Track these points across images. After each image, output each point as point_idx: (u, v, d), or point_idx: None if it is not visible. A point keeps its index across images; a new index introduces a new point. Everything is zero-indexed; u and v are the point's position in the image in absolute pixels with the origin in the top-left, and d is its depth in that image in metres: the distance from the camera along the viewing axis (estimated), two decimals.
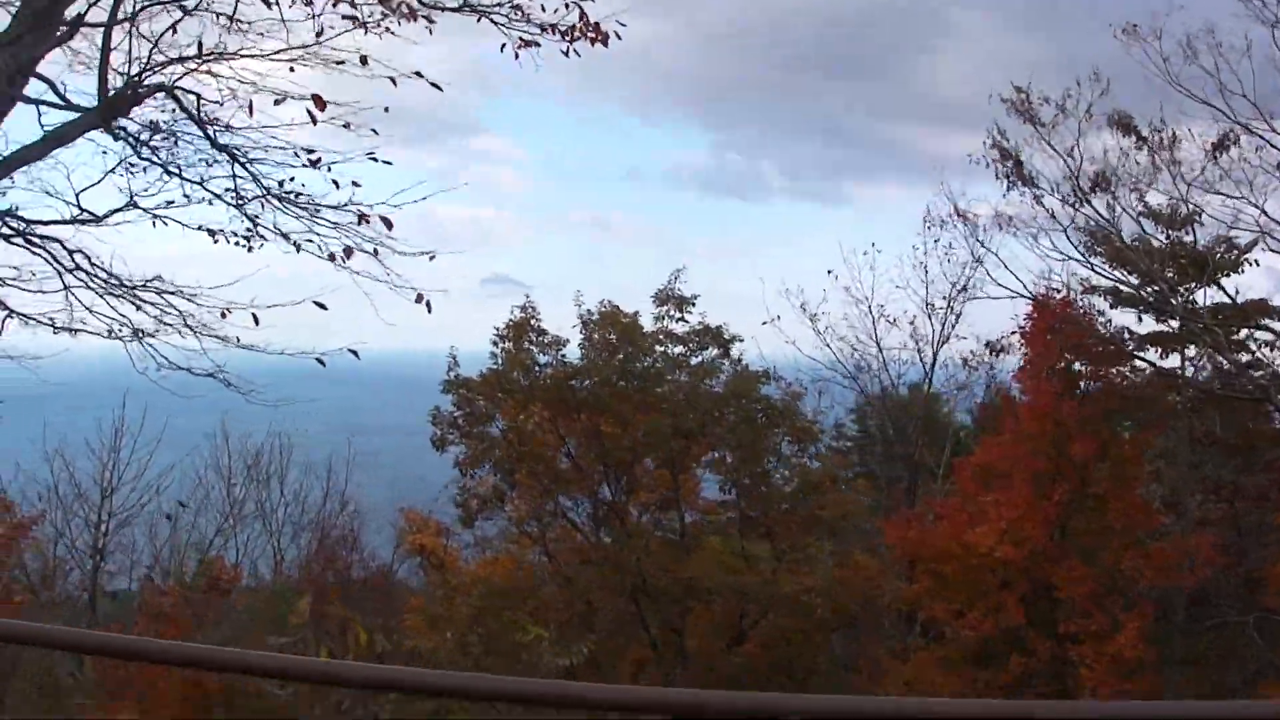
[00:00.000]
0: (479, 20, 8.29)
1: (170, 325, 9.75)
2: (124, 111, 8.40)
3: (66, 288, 10.00)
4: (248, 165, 8.72)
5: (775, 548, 18.80)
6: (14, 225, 9.58)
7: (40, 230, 9.64)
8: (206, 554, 19.19)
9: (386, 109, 8.21)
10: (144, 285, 9.68)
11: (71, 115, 8.21)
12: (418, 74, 8.11)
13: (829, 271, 20.90)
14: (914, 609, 20.39)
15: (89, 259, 9.92)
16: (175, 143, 9.54)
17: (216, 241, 9.92)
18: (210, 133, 8.59)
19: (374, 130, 8.19)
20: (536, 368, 18.07)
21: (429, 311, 8.75)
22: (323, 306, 8.83)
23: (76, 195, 9.25)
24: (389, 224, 8.30)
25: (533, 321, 18.33)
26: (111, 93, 8.05)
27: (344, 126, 8.18)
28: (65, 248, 9.74)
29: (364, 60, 8.04)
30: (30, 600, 18.69)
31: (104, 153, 9.30)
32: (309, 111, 7.96)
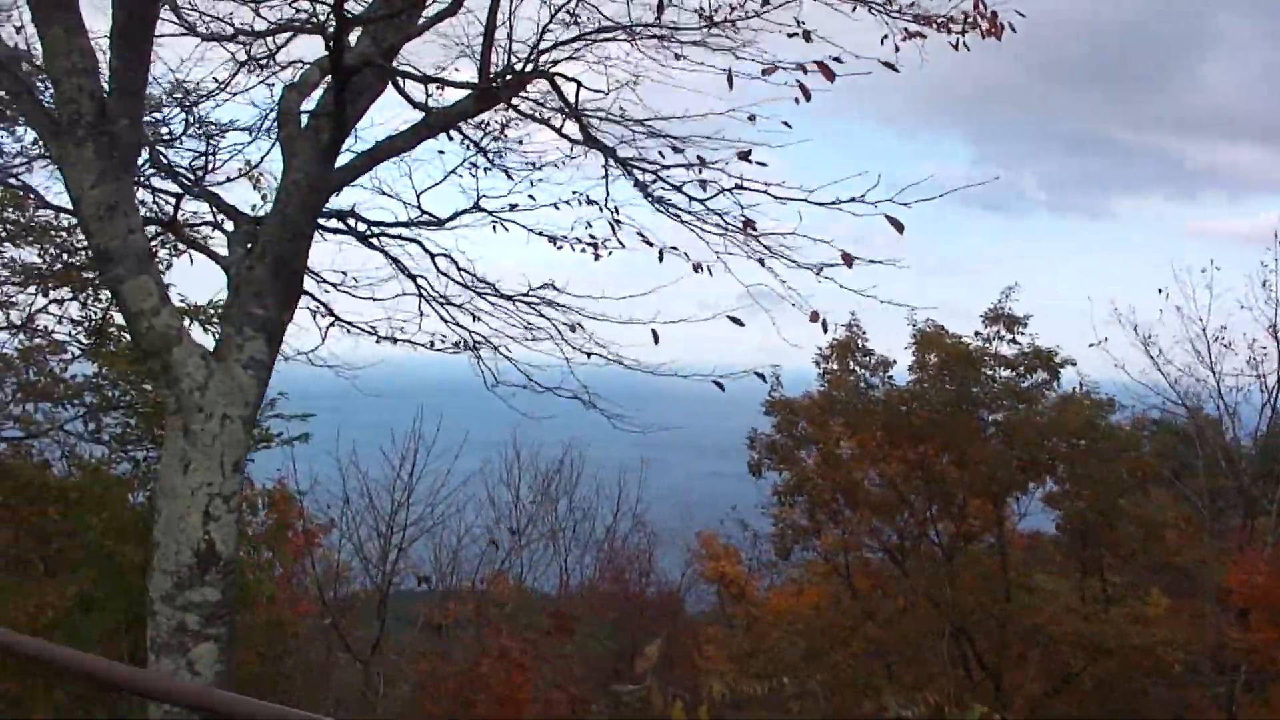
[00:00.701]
0: (854, 10, 7.06)
1: (530, 339, 8.99)
2: (506, 98, 7.41)
3: (420, 292, 9.27)
4: (623, 162, 7.70)
5: (1106, 590, 17.28)
6: (357, 227, 8.89)
7: (384, 232, 8.98)
8: (498, 570, 18.56)
9: (833, 72, 6.87)
10: (525, 295, 8.92)
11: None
12: (888, 65, 6.85)
13: (1159, 290, 19.01)
14: (1244, 659, 18.64)
15: (456, 265, 9.21)
16: (517, 141, 8.67)
17: (560, 248, 9.09)
18: (584, 124, 7.56)
19: (786, 124, 6.91)
20: (864, 389, 16.87)
21: (824, 331, 7.68)
22: (739, 323, 7.83)
23: (417, 195, 8.60)
24: (900, 227, 6.96)
25: (858, 341, 17.12)
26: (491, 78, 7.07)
27: (749, 119, 6.98)
28: (426, 249, 9.08)
29: (807, 36, 6.83)
30: (319, 608, 18.42)
31: (440, 153, 8.54)
32: (800, 84, 6.72)
